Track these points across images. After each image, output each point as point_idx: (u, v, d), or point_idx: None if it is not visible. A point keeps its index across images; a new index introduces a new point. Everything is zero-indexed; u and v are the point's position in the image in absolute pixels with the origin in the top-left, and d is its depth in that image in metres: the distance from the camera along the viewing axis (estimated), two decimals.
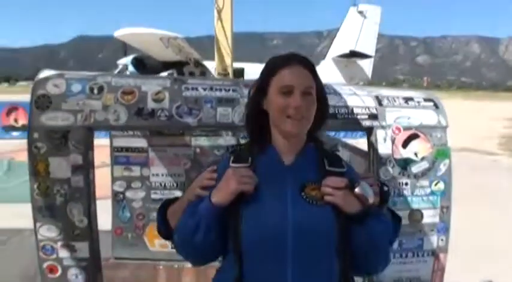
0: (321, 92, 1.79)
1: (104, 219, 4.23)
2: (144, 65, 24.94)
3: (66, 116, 2.48)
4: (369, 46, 26.89)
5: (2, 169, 11.11)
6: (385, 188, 1.87)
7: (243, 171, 1.69)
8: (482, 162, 14.65)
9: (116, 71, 24.00)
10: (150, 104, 2.54)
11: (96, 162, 2.64)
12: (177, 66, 24.24)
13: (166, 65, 24.35)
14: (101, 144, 3.41)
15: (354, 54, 26.54)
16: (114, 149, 4.21)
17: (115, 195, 4.24)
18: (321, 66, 27.03)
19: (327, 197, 1.66)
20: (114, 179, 4.23)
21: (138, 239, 4.23)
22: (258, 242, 1.62)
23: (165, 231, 1.99)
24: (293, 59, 1.76)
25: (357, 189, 1.68)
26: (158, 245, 4.20)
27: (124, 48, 26.95)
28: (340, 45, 27.10)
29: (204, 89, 2.61)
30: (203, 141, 4.15)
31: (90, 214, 2.53)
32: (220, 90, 2.62)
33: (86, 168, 2.51)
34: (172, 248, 2.52)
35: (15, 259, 5.09)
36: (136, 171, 4.19)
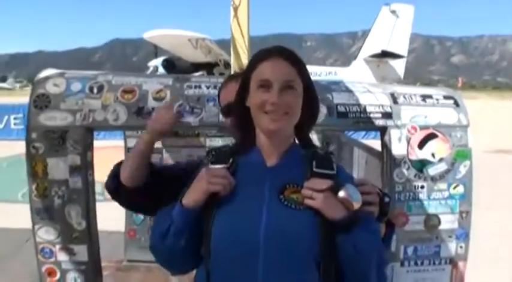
0: (309, 87, 1.66)
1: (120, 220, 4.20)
2: (174, 67, 25.16)
3: (65, 116, 2.41)
4: (401, 46, 26.50)
5: None
6: (386, 199, 1.71)
7: (217, 171, 1.59)
8: None
9: (147, 73, 24.21)
10: (151, 103, 2.44)
11: None
12: (207, 67, 24.35)
13: (196, 67, 24.49)
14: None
15: (385, 54, 26.20)
16: (128, 150, 4.15)
17: None
18: (352, 66, 26.80)
19: (307, 200, 1.52)
20: None
21: None
22: (227, 246, 1.51)
23: (113, 186, 2.08)
24: (273, 52, 1.63)
25: (341, 193, 1.51)
26: None
27: (155, 50, 27.24)
28: (372, 45, 26.79)
29: (208, 87, 2.51)
30: (218, 142, 4.05)
31: (89, 216, 2.45)
32: None
33: (85, 169, 2.43)
34: None
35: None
36: None
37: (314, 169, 1.60)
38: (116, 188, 2.11)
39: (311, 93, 1.67)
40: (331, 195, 1.51)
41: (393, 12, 26.84)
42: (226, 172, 1.59)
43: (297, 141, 1.73)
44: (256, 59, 1.64)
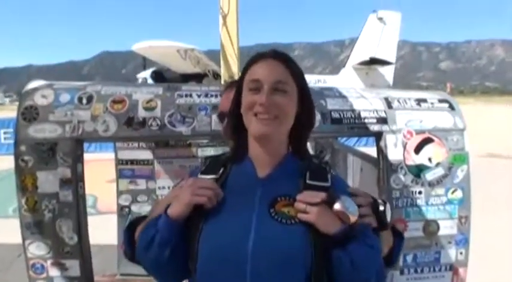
0: (304, 91, 1.59)
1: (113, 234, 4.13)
2: (163, 78, 25.11)
3: (54, 128, 2.35)
4: (389, 53, 26.57)
5: None
6: (381, 208, 1.61)
7: (203, 182, 1.52)
8: (506, 168, 14.22)
9: None
10: (141, 113, 2.39)
11: None
12: (196, 78, 24.31)
13: (185, 77, 24.45)
14: None
15: (374, 61, 26.25)
16: (119, 162, 4.09)
17: (120, 209, 4.12)
18: (340, 74, 26.84)
19: (300, 215, 1.42)
20: (119, 193, 4.11)
21: None
22: (214, 262, 1.42)
23: (130, 252, 1.73)
24: (267, 54, 1.57)
25: (336, 205, 1.42)
26: None
27: (143, 62, 27.19)
28: (360, 53, 26.84)
29: (199, 96, 2.47)
30: (210, 152, 4.00)
31: (81, 230, 2.38)
32: (216, 96, 2.46)
33: (75, 181, 2.36)
34: None
35: None
36: (141, 184, 4.08)
37: (307, 181, 1.52)
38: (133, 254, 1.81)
39: (307, 98, 1.60)
40: (325, 209, 1.42)
41: (380, 19, 26.92)
42: (213, 183, 1.52)
43: (291, 150, 1.63)
44: (250, 61, 1.58)
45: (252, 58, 1.59)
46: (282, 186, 1.52)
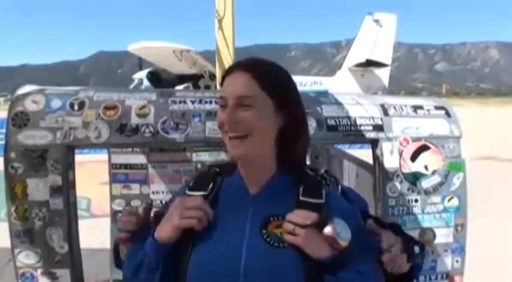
0: (283, 103, 1.45)
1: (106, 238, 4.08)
2: (159, 79, 25.05)
3: (44, 134, 2.30)
4: (385, 54, 26.61)
5: None
6: (416, 250, 1.52)
7: (191, 202, 1.42)
8: (504, 169, 14.24)
9: (132, 86, 24.06)
10: (134, 120, 2.35)
11: None
12: (192, 79, 24.28)
13: (182, 79, 24.42)
14: None
15: (370, 63, 26.28)
16: (112, 166, 4.04)
17: (114, 214, 4.06)
18: (337, 76, 26.87)
19: (287, 237, 1.34)
20: (112, 197, 4.06)
21: None
22: None
23: (117, 264, 1.73)
24: (235, 65, 1.48)
25: (326, 229, 1.32)
26: None
27: (139, 62, 27.13)
28: (356, 55, 26.87)
29: (193, 102, 2.43)
30: (205, 157, 3.96)
31: (72, 239, 2.34)
32: (210, 102, 2.42)
33: (66, 189, 2.32)
34: None
35: None
36: (135, 189, 4.02)
37: (300, 197, 1.42)
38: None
39: (289, 110, 1.47)
40: (315, 232, 1.33)
41: (376, 21, 26.96)
42: (202, 203, 1.43)
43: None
44: (223, 74, 1.50)
45: (224, 71, 1.50)
46: (274, 204, 1.43)
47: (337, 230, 1.32)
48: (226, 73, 1.47)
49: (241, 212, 1.43)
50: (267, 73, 1.45)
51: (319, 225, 1.33)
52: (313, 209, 1.38)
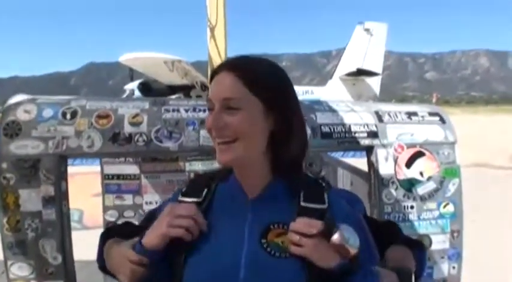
0: (272, 104, 1.32)
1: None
2: (151, 89, 24.98)
3: (37, 144, 2.28)
4: (376, 63, 26.72)
5: None
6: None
7: (182, 210, 1.31)
8: (495, 176, 14.29)
9: (123, 97, 23.99)
10: (127, 128, 2.33)
11: None
12: (184, 89, 24.23)
13: (173, 89, 24.36)
14: None
15: (361, 72, 26.38)
16: (105, 177, 4.01)
17: (106, 225, 4.02)
18: (328, 85, 26.95)
19: (293, 248, 1.24)
20: (105, 208, 4.02)
21: None
22: None
23: (100, 261, 1.54)
24: (224, 64, 1.35)
25: (334, 237, 1.22)
26: None
27: (131, 73, 27.09)
28: (347, 64, 26.97)
29: (186, 110, 2.41)
30: (198, 166, 3.93)
31: (65, 250, 2.31)
32: (204, 111, 2.41)
33: (59, 199, 2.29)
34: None
35: None
36: (128, 199, 3.98)
37: (302, 203, 1.33)
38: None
39: (280, 111, 1.34)
40: (321, 241, 1.23)
41: (367, 30, 27.10)
42: (194, 211, 1.32)
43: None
44: (211, 75, 1.37)
45: (212, 70, 1.38)
46: (273, 210, 1.34)
47: (345, 237, 1.24)
48: (214, 72, 1.34)
49: (239, 218, 1.34)
50: (254, 72, 1.33)
51: (324, 233, 1.24)
52: (317, 215, 1.29)
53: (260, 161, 1.37)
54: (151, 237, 1.30)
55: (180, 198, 1.42)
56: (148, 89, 25.21)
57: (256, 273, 1.25)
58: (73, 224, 2.43)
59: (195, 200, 1.39)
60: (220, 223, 1.34)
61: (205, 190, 1.41)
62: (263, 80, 1.32)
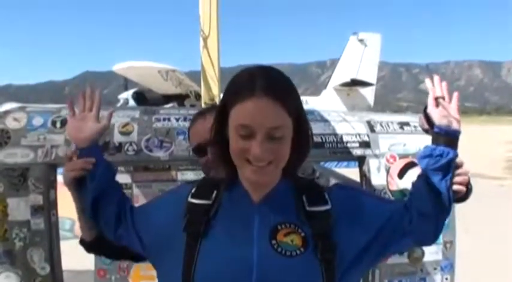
0: (299, 120, 1.34)
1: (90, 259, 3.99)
2: (145, 99, 25.00)
3: (26, 152, 2.26)
4: (370, 74, 26.79)
5: None
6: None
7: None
8: (489, 187, 14.31)
9: (117, 106, 23.98)
10: (117, 137, 2.32)
11: None
12: (178, 99, 24.25)
13: (167, 98, 24.38)
14: None
15: (355, 83, 26.44)
16: None
17: None
18: (322, 95, 26.97)
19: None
20: None
21: (122, 281, 3.95)
22: None
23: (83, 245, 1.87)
24: (259, 88, 1.26)
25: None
26: None
27: (125, 82, 27.10)
28: (341, 74, 27.02)
29: (177, 120, 2.40)
30: (190, 176, 3.91)
31: (53, 260, 2.28)
32: None
33: (47, 208, 2.27)
34: None
35: None
36: None
37: (307, 208, 1.37)
38: (88, 246, 1.91)
39: (302, 124, 1.37)
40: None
41: (361, 41, 27.20)
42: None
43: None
44: (237, 92, 1.30)
45: (240, 90, 1.30)
46: (279, 211, 1.37)
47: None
48: (244, 96, 1.27)
49: (247, 222, 1.36)
50: (289, 93, 1.33)
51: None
52: (324, 216, 1.36)
53: (276, 176, 1.40)
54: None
55: (190, 199, 1.43)
56: (143, 98, 25.23)
57: (269, 274, 1.27)
58: (64, 233, 2.40)
59: (205, 202, 1.41)
60: (230, 227, 1.36)
61: (215, 192, 1.43)
62: (295, 98, 1.35)
